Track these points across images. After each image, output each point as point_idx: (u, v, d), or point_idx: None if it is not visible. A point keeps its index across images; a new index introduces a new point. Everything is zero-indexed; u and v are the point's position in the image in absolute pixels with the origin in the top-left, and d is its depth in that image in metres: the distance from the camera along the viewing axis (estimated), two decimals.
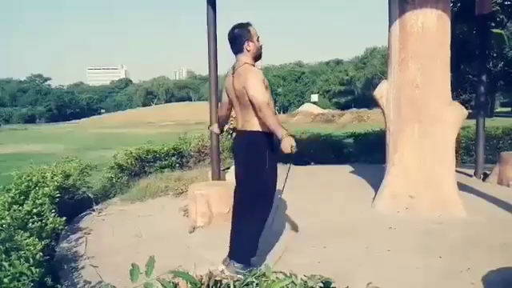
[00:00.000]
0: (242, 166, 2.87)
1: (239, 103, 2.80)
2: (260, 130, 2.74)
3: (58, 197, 4.10)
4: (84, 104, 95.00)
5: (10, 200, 3.66)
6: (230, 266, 2.76)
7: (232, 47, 2.84)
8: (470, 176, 5.96)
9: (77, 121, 63.90)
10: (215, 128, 3.42)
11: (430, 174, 4.21)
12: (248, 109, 2.74)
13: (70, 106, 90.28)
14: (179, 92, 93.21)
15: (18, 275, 2.54)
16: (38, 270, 2.64)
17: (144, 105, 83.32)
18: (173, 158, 6.86)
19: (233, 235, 2.90)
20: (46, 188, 4.03)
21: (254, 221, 2.82)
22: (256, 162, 2.75)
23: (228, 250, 2.90)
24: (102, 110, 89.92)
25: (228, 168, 5.47)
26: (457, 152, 5.29)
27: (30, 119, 78.93)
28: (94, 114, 78.05)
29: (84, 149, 17.80)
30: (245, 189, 2.83)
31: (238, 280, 1.49)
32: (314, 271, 2.43)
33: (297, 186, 4.21)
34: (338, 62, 68.90)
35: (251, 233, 2.83)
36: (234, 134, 3.06)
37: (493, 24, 9.04)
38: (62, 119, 76.97)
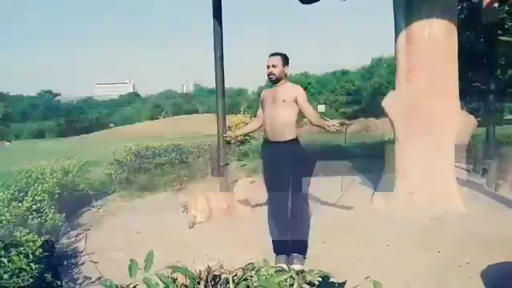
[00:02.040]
0: (292, 171, 3.19)
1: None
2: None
3: (57, 193, 4.09)
4: (93, 118, 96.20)
5: (9, 197, 3.65)
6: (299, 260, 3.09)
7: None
8: (469, 171, 5.88)
9: (86, 135, 64.58)
10: (230, 133, 3.96)
11: (430, 169, 4.15)
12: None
13: (79, 120, 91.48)
14: (187, 105, 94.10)
15: (17, 271, 2.53)
16: (37, 265, 2.62)
17: (152, 118, 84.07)
18: (172, 154, 6.81)
19: (295, 236, 3.16)
20: (45, 184, 4.02)
21: (308, 215, 3.32)
22: (304, 165, 3.26)
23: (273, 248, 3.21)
24: (111, 125, 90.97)
25: (227, 164, 5.41)
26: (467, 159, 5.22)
27: (40, 134, 79.98)
28: (102, 129, 78.87)
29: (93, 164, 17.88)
30: (296, 190, 3.19)
31: (236, 274, 1.46)
32: (313, 266, 2.38)
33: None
34: (344, 73, 69.04)
35: (308, 227, 3.31)
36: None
37: (500, 32, 9.04)
38: (72, 134, 77.90)
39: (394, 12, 4.46)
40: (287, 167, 3.23)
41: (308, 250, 3.18)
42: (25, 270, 2.56)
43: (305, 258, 3.12)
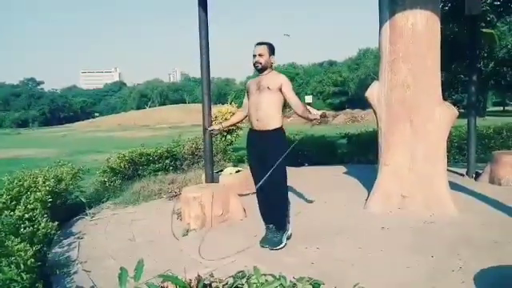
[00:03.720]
0: (273, 156, 3.32)
1: None
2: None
3: (50, 201, 4.07)
4: (78, 107, 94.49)
5: (0, 205, 3.63)
6: (278, 234, 3.43)
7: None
8: (462, 175, 6.00)
9: (70, 124, 63.58)
10: (215, 126, 4.05)
11: (422, 173, 4.24)
12: None
13: (64, 109, 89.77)
14: (173, 94, 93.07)
15: (8, 282, 2.52)
16: (28, 275, 2.62)
17: (138, 108, 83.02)
18: (166, 161, 6.84)
19: (270, 211, 3.53)
20: (37, 193, 4.00)
21: (286, 195, 3.55)
22: (283, 151, 3.35)
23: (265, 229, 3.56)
24: (96, 114, 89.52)
25: (221, 170, 5.46)
26: (449, 151, 5.32)
27: (23, 123, 78.35)
28: (87, 118, 77.65)
29: (77, 153, 17.71)
30: (276, 171, 3.31)
31: (226, 283, 1.50)
32: (307, 272, 2.45)
33: (290, 187, 4.22)
34: (332, 63, 69.23)
35: (286, 204, 3.61)
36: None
37: (483, 24, 9.15)
38: (56, 123, 76.55)
39: (378, 2, 4.50)
40: (271, 156, 3.34)
41: (300, 256, 3.23)
42: (15, 281, 2.56)
43: (285, 231, 3.50)
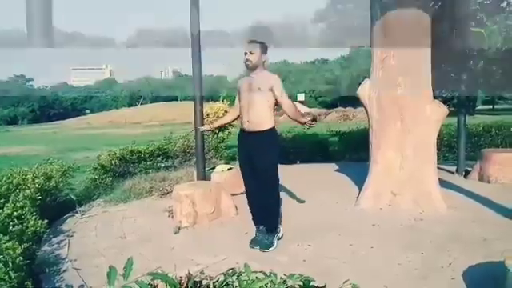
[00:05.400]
0: (263, 158, 3.31)
1: None
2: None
3: (39, 199, 4.03)
4: (68, 104, 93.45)
5: None
6: (270, 236, 3.38)
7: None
8: (452, 173, 6.06)
9: (61, 121, 62.91)
10: (206, 127, 4.00)
11: (412, 171, 4.27)
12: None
13: (54, 106, 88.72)
14: (165, 92, 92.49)
15: None
16: (17, 274, 2.58)
17: (129, 105, 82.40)
18: (158, 159, 6.81)
19: (261, 213, 3.47)
20: (27, 190, 3.95)
21: (277, 195, 3.51)
22: (274, 153, 3.37)
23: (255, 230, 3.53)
24: (87, 111, 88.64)
25: (213, 168, 5.45)
26: (439, 149, 5.36)
27: (12, 121, 77.33)
28: (78, 115, 76.85)
29: (68, 150, 17.55)
30: (267, 173, 3.33)
31: (217, 280, 1.49)
32: (298, 269, 2.45)
33: (281, 185, 4.23)
34: (324, 62, 69.41)
35: (278, 204, 3.56)
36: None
37: (473, 23, 9.22)
38: (46, 120, 75.67)
39: (370, 0, 4.52)
40: (261, 158, 3.29)
41: (292, 254, 3.23)
42: (3, 280, 2.53)
43: (277, 231, 3.47)
